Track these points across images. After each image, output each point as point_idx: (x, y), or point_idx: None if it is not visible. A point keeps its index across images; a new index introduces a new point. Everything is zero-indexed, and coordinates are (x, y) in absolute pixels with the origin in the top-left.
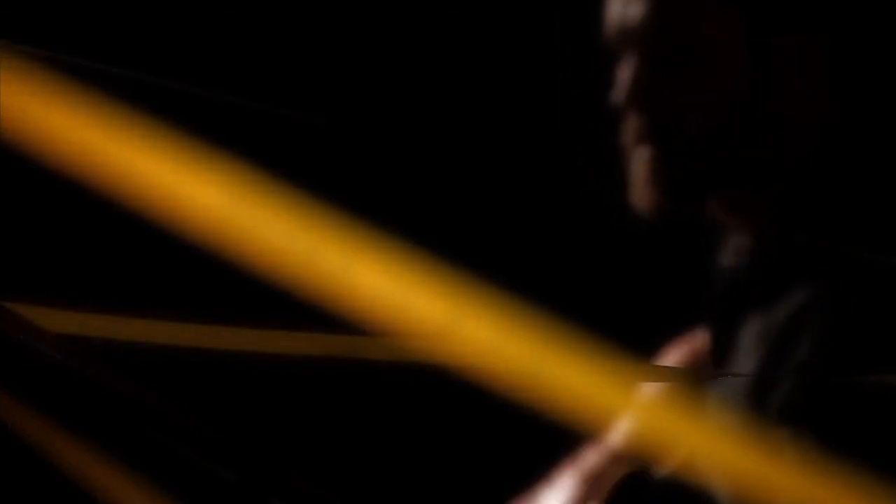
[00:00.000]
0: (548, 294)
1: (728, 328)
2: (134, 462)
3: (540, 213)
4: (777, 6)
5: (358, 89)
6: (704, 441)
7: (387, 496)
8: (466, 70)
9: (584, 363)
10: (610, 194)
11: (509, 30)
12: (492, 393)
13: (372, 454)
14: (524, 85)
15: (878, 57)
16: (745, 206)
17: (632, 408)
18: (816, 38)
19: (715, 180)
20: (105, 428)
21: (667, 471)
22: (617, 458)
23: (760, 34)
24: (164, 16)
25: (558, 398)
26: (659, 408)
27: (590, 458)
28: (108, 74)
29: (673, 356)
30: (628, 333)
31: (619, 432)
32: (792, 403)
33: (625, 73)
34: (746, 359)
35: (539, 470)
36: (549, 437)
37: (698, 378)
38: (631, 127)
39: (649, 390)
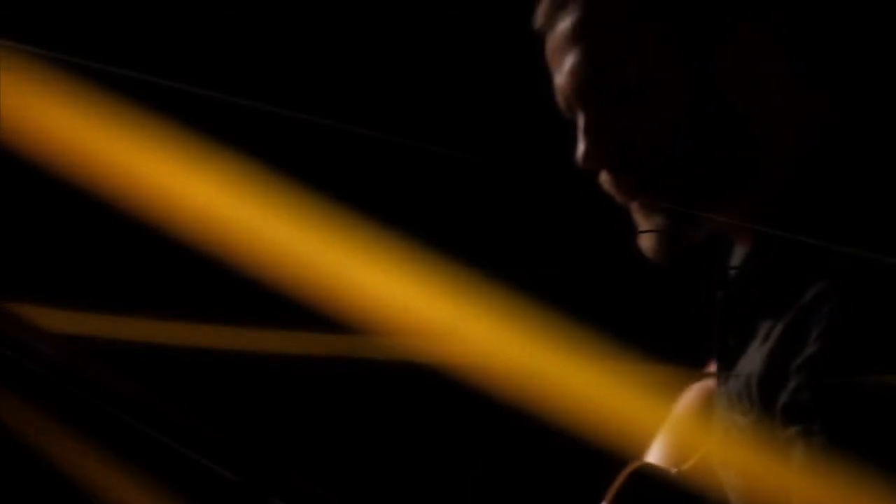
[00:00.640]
0: (554, 296)
1: (734, 329)
2: (134, 462)
3: (545, 214)
4: (702, 13)
5: (357, 88)
6: (714, 440)
7: (386, 496)
8: (466, 70)
9: (589, 365)
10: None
11: (510, 30)
12: (492, 393)
13: (372, 454)
14: (524, 84)
15: (872, 50)
16: (739, 209)
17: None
18: (762, 31)
19: (701, 196)
20: (105, 428)
21: (676, 469)
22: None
23: (692, 46)
24: (165, 16)
25: (561, 398)
26: (688, 414)
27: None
28: (108, 74)
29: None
30: (634, 335)
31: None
32: (799, 402)
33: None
34: (753, 358)
35: (539, 469)
36: (549, 437)
37: (708, 380)
38: (605, 185)
39: (682, 397)
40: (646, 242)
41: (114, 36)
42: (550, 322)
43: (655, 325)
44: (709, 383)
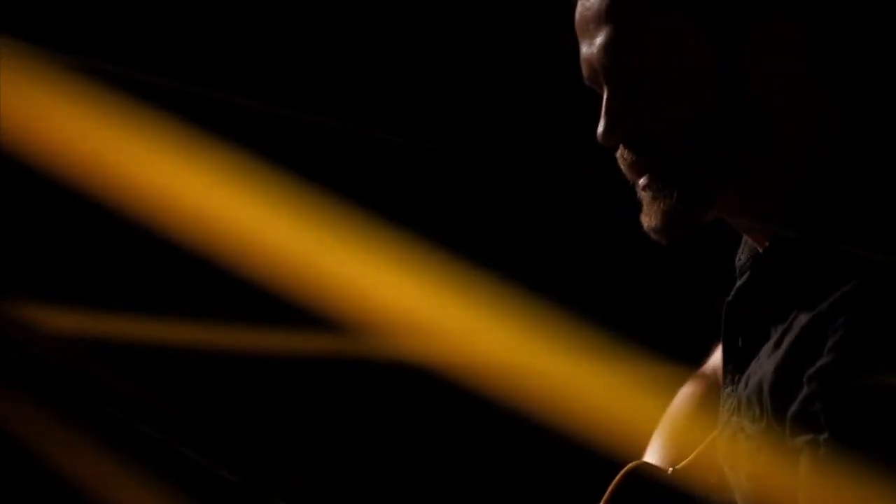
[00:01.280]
0: (554, 296)
1: (744, 330)
2: (135, 462)
3: (546, 214)
4: (735, 5)
5: (356, 87)
6: (721, 443)
7: (386, 496)
8: (466, 69)
9: (588, 365)
10: (618, 196)
11: (510, 29)
12: (492, 393)
13: (372, 454)
14: (523, 84)
15: (880, 49)
16: (751, 206)
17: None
18: (788, 29)
19: (713, 185)
20: (105, 428)
21: (672, 468)
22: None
23: (723, 37)
24: (165, 15)
25: (561, 398)
26: (684, 412)
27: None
28: (108, 73)
29: (692, 386)
30: (634, 334)
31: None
32: (809, 412)
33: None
34: (765, 364)
35: (539, 469)
36: (548, 438)
37: (717, 383)
38: (621, 161)
39: (676, 395)
40: (649, 221)
41: (114, 35)
42: (550, 322)
43: (656, 324)
44: (706, 375)
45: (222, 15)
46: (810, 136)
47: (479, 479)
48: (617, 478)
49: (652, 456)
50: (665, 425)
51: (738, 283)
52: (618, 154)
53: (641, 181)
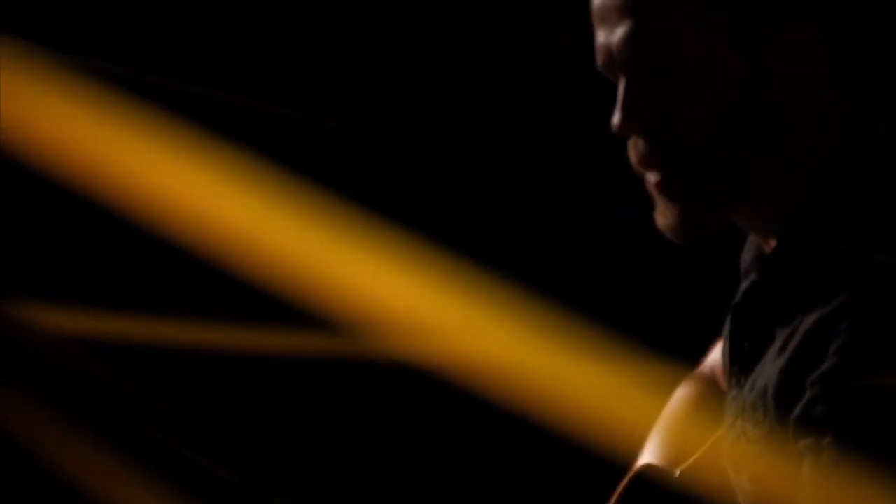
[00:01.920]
0: (554, 296)
1: (749, 331)
2: (135, 462)
3: (546, 214)
4: (765, 4)
5: (356, 87)
6: (724, 445)
7: (387, 496)
8: (466, 69)
9: (588, 364)
10: (622, 196)
11: (510, 29)
12: (492, 393)
13: (371, 454)
14: (523, 84)
15: (887, 51)
16: (761, 208)
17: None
18: (813, 31)
19: (725, 185)
20: (105, 428)
21: (679, 470)
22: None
23: (750, 35)
24: (165, 15)
25: (561, 398)
26: (681, 412)
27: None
28: (108, 73)
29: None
30: (635, 333)
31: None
32: (812, 416)
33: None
34: (769, 369)
35: (539, 469)
36: (548, 438)
37: (721, 386)
38: (633, 151)
39: (673, 395)
40: (665, 221)
41: (114, 35)
42: (550, 322)
43: (656, 324)
44: (703, 376)
45: (222, 15)
46: (827, 142)
47: (479, 479)
48: (625, 479)
49: (650, 457)
50: (662, 426)
51: (744, 284)
52: (630, 143)
53: (652, 178)
